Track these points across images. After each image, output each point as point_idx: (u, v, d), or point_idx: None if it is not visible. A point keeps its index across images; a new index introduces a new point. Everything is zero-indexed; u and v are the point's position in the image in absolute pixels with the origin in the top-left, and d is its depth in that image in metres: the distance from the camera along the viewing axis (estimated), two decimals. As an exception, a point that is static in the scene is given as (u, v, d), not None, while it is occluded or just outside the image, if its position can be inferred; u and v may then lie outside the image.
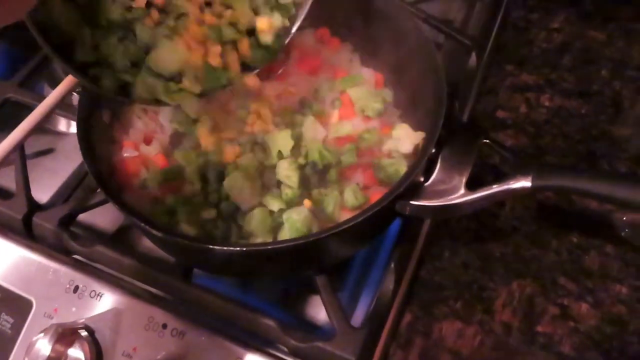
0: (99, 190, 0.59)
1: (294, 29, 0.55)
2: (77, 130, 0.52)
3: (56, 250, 0.58)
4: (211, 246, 0.43)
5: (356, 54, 0.65)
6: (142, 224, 0.46)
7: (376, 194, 0.52)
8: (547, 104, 0.71)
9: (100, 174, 0.50)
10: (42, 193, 0.66)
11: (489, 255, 0.59)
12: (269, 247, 0.43)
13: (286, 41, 0.55)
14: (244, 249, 0.42)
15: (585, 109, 0.70)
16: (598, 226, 0.60)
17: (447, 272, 0.58)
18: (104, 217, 0.64)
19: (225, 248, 0.43)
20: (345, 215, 0.52)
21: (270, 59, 0.54)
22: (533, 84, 0.73)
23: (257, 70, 0.54)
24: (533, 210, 0.62)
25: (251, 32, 0.53)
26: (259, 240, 0.49)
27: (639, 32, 0.76)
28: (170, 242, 0.45)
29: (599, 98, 0.71)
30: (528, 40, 0.77)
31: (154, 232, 0.46)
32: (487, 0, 0.79)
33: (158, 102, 0.50)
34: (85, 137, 0.52)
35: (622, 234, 0.58)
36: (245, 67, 0.53)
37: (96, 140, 0.55)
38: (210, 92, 0.51)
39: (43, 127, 0.63)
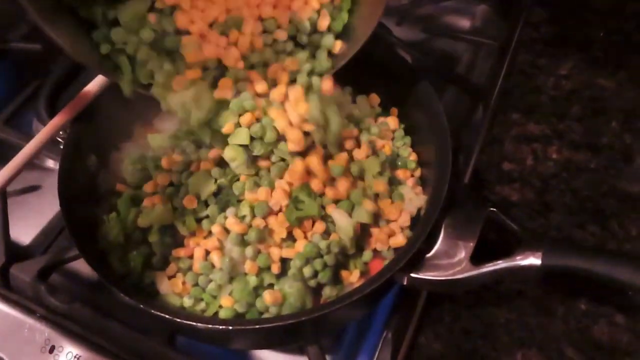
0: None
1: None
2: (59, 182, 0.49)
3: (34, 303, 0.54)
4: (195, 323, 0.39)
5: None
6: (121, 295, 0.43)
7: (375, 261, 0.49)
8: (554, 156, 0.68)
9: (79, 236, 0.47)
10: (25, 234, 0.63)
11: (492, 321, 0.56)
12: (257, 326, 0.40)
13: None
14: (230, 327, 0.39)
15: (594, 163, 0.67)
16: (607, 292, 0.57)
17: (447, 339, 0.55)
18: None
19: (209, 326, 0.40)
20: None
21: None
22: (540, 134, 0.70)
23: None
24: (539, 272, 0.59)
25: None
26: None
27: (649, 82, 0.74)
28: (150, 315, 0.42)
29: (609, 152, 0.68)
30: (535, 87, 0.75)
31: (133, 303, 0.42)
32: (494, 44, 0.76)
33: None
34: (66, 190, 0.49)
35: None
36: None
37: (79, 192, 0.52)
38: None
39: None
